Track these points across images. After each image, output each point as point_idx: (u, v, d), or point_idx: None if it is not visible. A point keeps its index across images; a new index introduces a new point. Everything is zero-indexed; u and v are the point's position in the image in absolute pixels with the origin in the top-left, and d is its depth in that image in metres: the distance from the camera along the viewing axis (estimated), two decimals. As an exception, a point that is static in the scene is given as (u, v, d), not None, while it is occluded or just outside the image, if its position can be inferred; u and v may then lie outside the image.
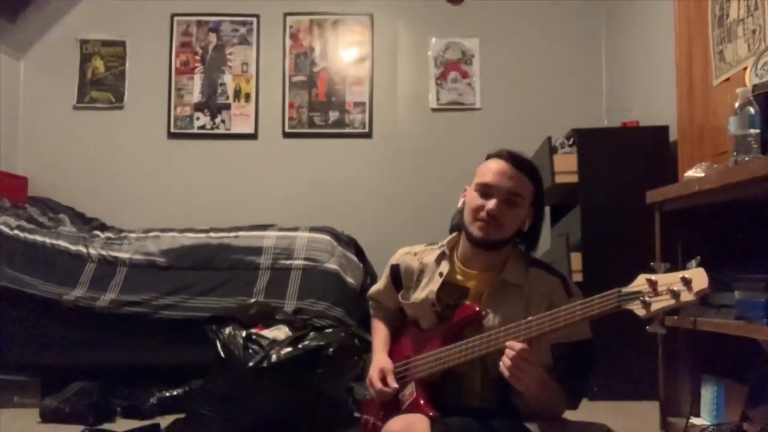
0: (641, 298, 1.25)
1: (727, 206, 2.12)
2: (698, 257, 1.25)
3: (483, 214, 1.54)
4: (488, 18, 4.58)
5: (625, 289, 1.29)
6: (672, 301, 1.22)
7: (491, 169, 1.57)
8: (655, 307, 1.24)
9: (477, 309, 1.53)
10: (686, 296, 1.21)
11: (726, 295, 1.94)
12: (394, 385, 1.58)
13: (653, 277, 1.26)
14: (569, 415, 1.56)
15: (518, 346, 1.35)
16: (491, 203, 1.53)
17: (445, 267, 1.64)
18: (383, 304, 1.82)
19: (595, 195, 3.20)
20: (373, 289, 1.86)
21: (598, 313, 1.31)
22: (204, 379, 2.63)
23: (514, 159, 1.58)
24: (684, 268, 1.25)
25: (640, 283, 1.28)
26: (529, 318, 1.40)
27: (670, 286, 1.23)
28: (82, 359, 3.03)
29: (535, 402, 1.45)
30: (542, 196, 1.63)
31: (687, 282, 1.21)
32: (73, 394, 2.79)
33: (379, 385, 1.59)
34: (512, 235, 1.59)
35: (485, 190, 1.56)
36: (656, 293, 1.24)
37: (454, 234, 1.69)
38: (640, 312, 1.25)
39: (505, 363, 1.36)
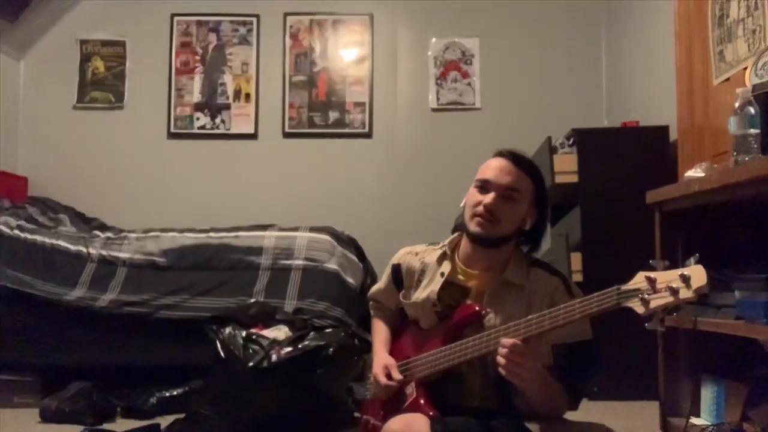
0: (640, 295, 1.25)
1: (727, 206, 2.12)
2: (696, 254, 1.25)
3: (480, 208, 1.55)
4: (488, 18, 4.58)
5: (624, 287, 1.29)
6: (671, 299, 1.22)
7: (490, 166, 1.59)
8: (653, 304, 1.24)
9: (477, 308, 1.54)
10: (685, 293, 1.21)
11: (726, 295, 1.94)
12: (398, 377, 1.59)
13: (652, 274, 1.26)
14: (569, 415, 1.56)
15: (509, 341, 1.36)
16: (488, 197, 1.54)
17: (446, 267, 1.64)
18: (384, 305, 1.82)
19: (595, 195, 3.20)
20: (374, 289, 1.86)
21: (598, 311, 1.31)
22: (204, 379, 2.63)
23: (514, 156, 1.59)
24: (683, 266, 1.25)
25: (639, 280, 1.28)
26: (529, 316, 1.40)
27: (669, 284, 1.23)
28: (82, 359, 3.03)
29: (536, 400, 1.46)
30: (544, 196, 1.63)
31: (686, 279, 1.21)
32: (73, 394, 2.79)
33: (384, 380, 1.60)
34: (512, 233, 1.59)
35: (483, 186, 1.58)
36: (655, 290, 1.24)
37: (456, 234, 1.69)
38: (639, 309, 1.25)
39: (499, 361, 1.36)
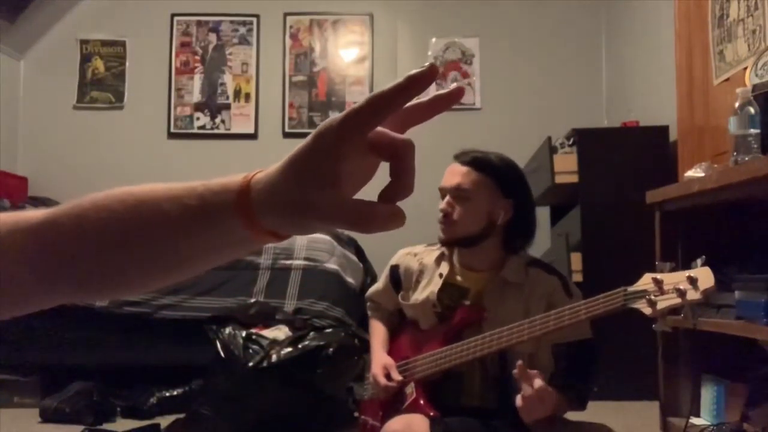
0: (647, 296, 1.25)
1: (727, 206, 2.12)
2: (703, 256, 1.25)
3: (439, 215, 1.58)
4: (488, 18, 4.58)
5: (630, 288, 1.29)
6: (678, 300, 1.22)
7: (445, 172, 1.62)
8: (661, 305, 1.24)
9: (479, 310, 1.53)
10: (692, 295, 1.21)
11: (726, 295, 1.93)
12: (398, 377, 1.59)
13: (659, 276, 1.26)
14: (570, 414, 1.56)
15: (538, 382, 1.32)
16: (442, 203, 1.58)
17: (444, 268, 1.64)
18: (382, 305, 1.82)
19: (595, 195, 3.19)
20: (372, 289, 1.86)
21: (604, 312, 1.31)
22: (204, 379, 2.63)
23: (461, 156, 1.61)
24: (688, 267, 1.25)
25: (645, 282, 1.28)
26: (534, 317, 1.40)
27: (676, 285, 1.23)
28: (82, 359, 3.03)
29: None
30: (512, 184, 1.60)
31: (693, 281, 1.21)
32: (73, 394, 2.79)
33: (384, 380, 1.59)
34: (482, 230, 1.56)
35: (441, 194, 1.62)
36: (662, 292, 1.24)
37: None
38: (647, 310, 1.25)
39: (523, 396, 1.34)
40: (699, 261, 1.25)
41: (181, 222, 0.48)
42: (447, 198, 1.58)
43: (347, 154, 0.44)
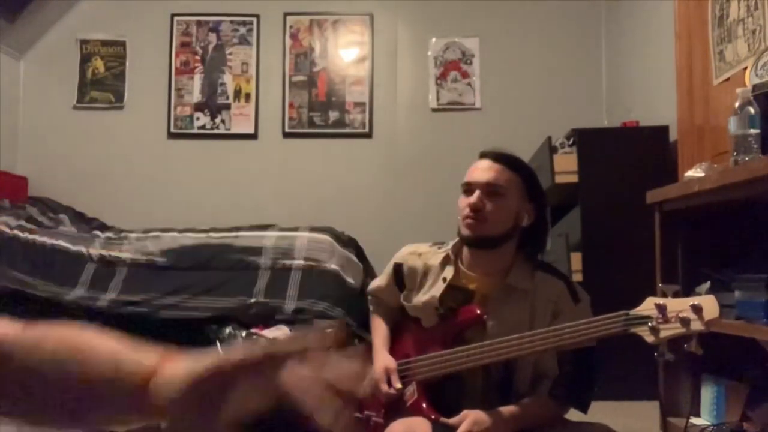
0: (650, 323, 1.23)
1: (727, 206, 2.12)
2: (708, 282, 1.24)
3: (467, 210, 1.54)
4: (488, 18, 4.58)
5: (632, 312, 1.26)
6: (682, 330, 1.20)
7: (472, 168, 1.60)
8: (664, 334, 1.22)
9: (478, 312, 1.53)
10: (697, 325, 1.19)
11: (726, 295, 1.93)
12: (398, 385, 1.58)
13: (662, 301, 1.23)
14: (570, 414, 1.56)
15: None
16: (473, 197, 1.54)
17: (449, 272, 1.62)
18: (383, 301, 1.80)
19: (595, 195, 3.19)
20: (374, 285, 1.83)
21: (604, 336, 1.30)
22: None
23: (493, 154, 1.59)
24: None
25: (648, 307, 1.25)
26: (535, 331, 1.40)
27: (679, 314, 1.21)
28: (82, 359, 3.02)
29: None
30: (538, 189, 1.62)
31: (698, 310, 1.19)
32: (73, 394, 2.78)
33: (385, 387, 1.59)
34: (507, 231, 1.57)
35: (468, 188, 1.58)
36: (665, 319, 1.22)
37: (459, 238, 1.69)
38: (649, 338, 1.23)
39: None
40: (704, 287, 1.24)
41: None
42: (478, 193, 1.54)
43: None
